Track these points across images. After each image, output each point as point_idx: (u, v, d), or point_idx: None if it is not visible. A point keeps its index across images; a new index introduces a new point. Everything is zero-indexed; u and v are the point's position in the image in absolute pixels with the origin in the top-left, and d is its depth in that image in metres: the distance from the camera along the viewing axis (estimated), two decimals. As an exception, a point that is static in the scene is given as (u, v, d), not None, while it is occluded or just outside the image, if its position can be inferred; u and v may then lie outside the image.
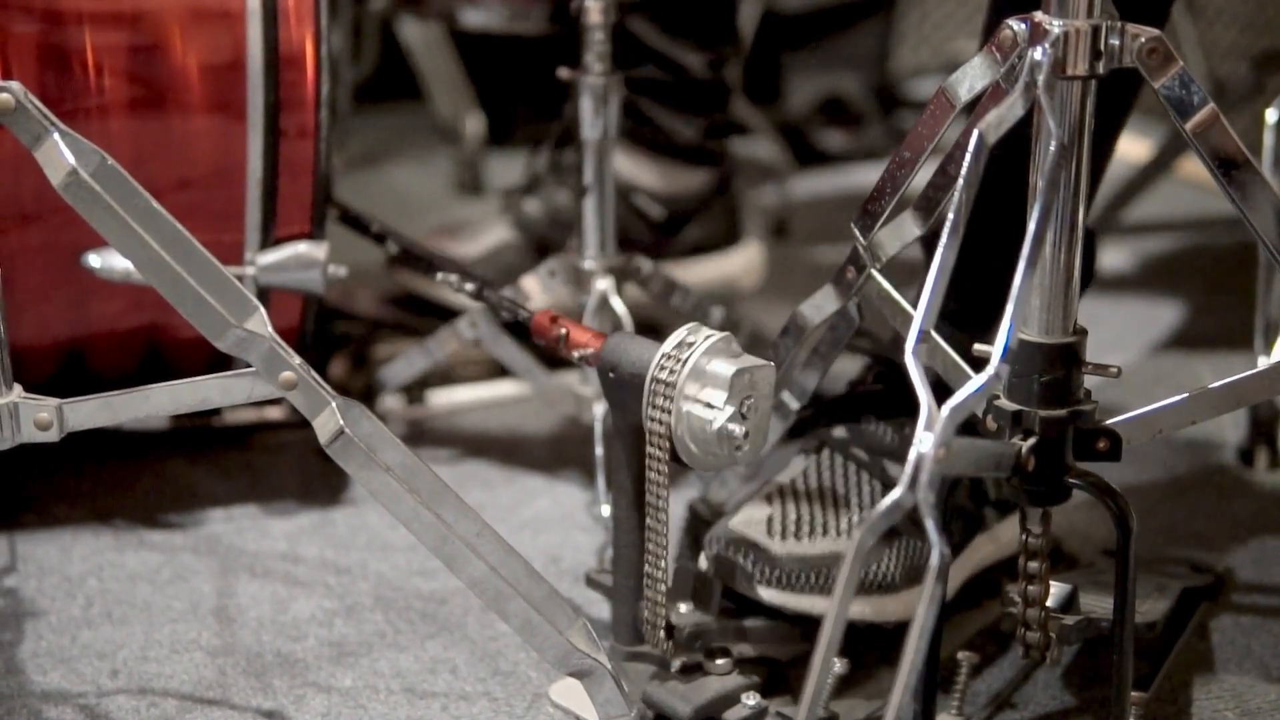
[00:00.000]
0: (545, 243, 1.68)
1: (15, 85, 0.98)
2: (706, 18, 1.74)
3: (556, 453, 1.53)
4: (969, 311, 1.21)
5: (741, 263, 1.75)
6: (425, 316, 1.65)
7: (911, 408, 0.88)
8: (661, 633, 1.11)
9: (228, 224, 1.29)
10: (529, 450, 1.54)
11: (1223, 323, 1.84)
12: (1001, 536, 1.26)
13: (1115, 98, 1.14)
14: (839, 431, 1.26)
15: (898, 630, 1.16)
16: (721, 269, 1.78)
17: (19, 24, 1.23)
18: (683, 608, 1.15)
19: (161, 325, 1.34)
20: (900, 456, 1.21)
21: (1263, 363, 1.06)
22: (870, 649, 1.16)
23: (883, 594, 1.17)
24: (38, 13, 1.24)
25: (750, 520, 1.19)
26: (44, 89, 1.23)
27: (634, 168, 1.72)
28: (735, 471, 1.34)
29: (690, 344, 1.07)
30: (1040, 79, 0.95)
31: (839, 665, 1.08)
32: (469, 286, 1.37)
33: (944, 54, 2.56)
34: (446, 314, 1.57)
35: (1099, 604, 1.11)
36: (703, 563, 1.19)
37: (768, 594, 1.16)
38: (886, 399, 1.27)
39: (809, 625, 1.15)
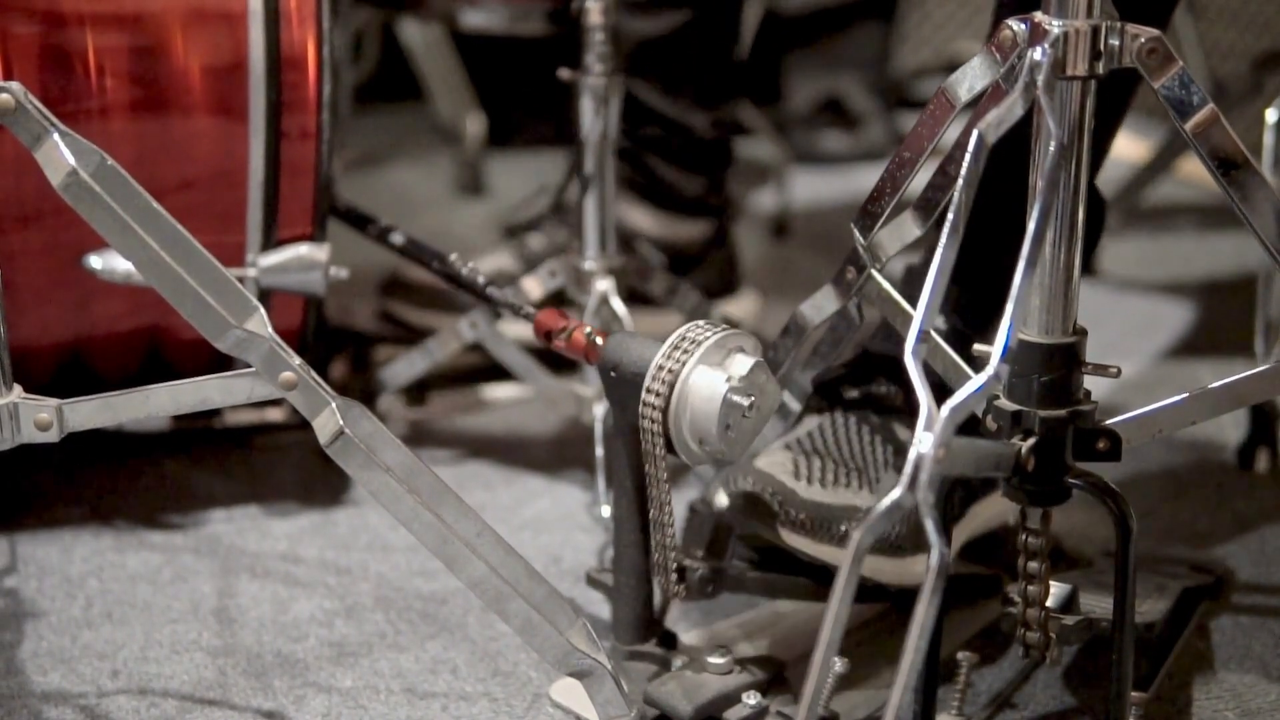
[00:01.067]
0: None
1: (15, 86, 0.98)
2: (708, 78, 1.74)
3: (557, 453, 1.53)
4: (969, 312, 1.21)
5: (738, 312, 1.75)
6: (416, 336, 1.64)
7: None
8: (673, 575, 1.11)
9: (229, 225, 1.29)
10: (529, 451, 1.54)
11: (1223, 323, 1.84)
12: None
13: (1112, 99, 1.14)
14: (849, 392, 1.25)
15: (899, 594, 1.17)
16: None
17: (20, 25, 1.23)
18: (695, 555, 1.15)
19: (162, 326, 1.34)
20: (908, 417, 1.21)
21: (1263, 363, 1.06)
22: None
23: (891, 556, 1.18)
24: (39, 14, 1.24)
25: (774, 462, 1.19)
26: (45, 90, 1.23)
27: (635, 215, 1.72)
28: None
29: (692, 341, 1.07)
30: (1040, 79, 0.95)
31: (839, 665, 1.08)
32: (470, 286, 1.37)
33: (945, 54, 2.56)
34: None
35: (1099, 604, 1.11)
36: (720, 499, 1.18)
37: (789, 536, 1.16)
38: (894, 362, 1.27)
39: (820, 578, 1.15)
